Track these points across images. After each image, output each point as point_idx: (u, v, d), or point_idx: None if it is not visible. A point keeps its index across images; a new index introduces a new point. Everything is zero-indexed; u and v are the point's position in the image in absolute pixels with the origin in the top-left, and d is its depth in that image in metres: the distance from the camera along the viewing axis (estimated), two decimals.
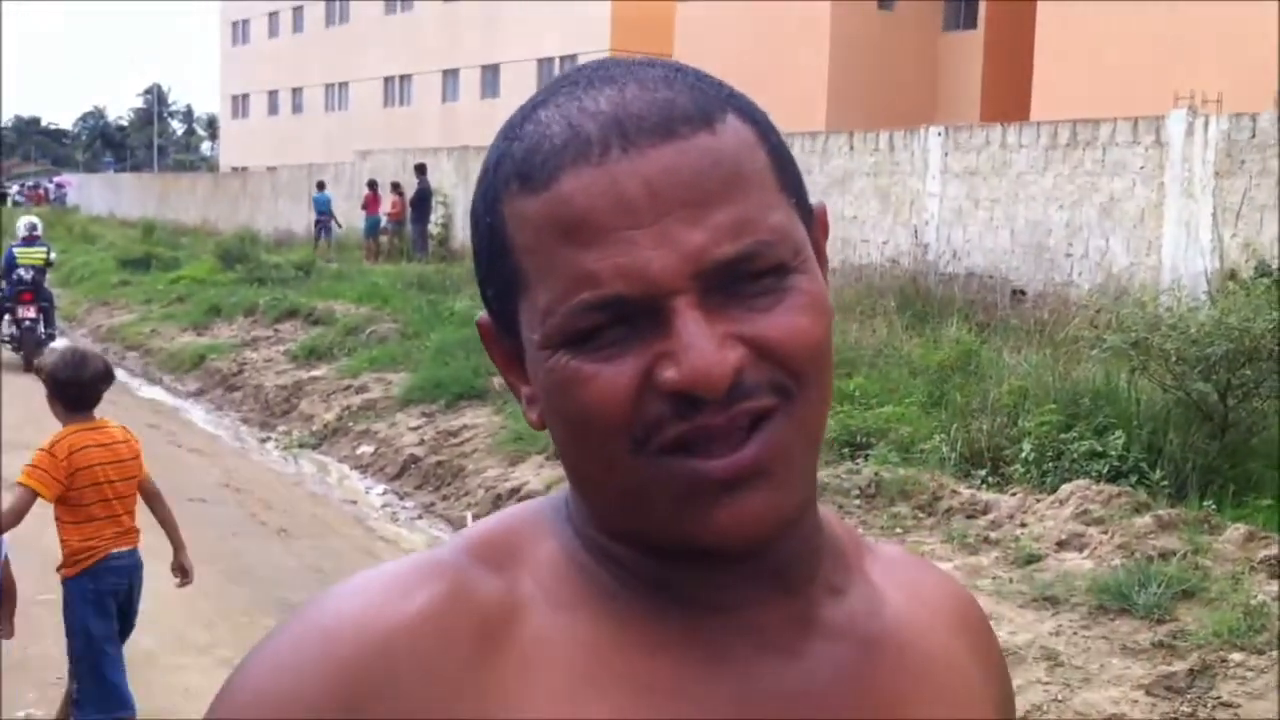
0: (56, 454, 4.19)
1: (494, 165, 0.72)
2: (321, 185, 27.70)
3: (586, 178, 0.66)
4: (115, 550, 4.30)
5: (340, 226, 26.27)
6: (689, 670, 0.71)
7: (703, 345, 0.65)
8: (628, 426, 0.67)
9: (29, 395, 12.41)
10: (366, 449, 10.08)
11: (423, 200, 22.68)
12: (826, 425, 0.72)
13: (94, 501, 4.25)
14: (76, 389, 4.27)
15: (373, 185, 24.41)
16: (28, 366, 13.98)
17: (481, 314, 0.77)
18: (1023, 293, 13.05)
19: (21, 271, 14.06)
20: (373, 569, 0.75)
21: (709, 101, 0.69)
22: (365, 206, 24.29)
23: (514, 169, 0.70)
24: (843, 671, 0.75)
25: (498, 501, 8.10)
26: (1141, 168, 12.05)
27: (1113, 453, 6.92)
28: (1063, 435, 7.18)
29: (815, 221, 0.75)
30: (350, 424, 10.70)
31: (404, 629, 0.69)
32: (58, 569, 4.35)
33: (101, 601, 4.30)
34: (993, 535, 6.49)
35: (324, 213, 26.44)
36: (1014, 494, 6.94)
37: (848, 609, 0.78)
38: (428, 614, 0.69)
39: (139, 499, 4.46)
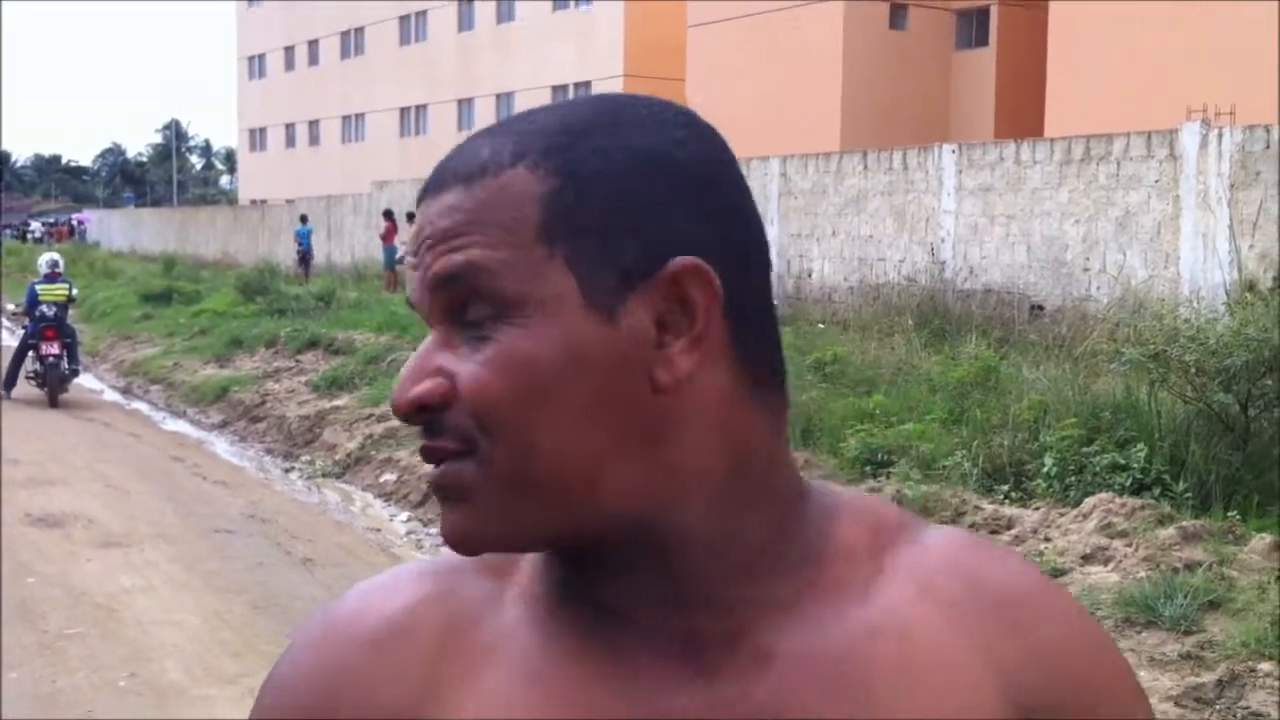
0: None
1: None
2: (304, 218, 28.20)
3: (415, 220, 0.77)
4: None
5: (313, 256, 27.12)
6: (601, 679, 0.74)
7: (405, 371, 0.72)
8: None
9: (54, 431, 12.54)
10: (389, 477, 10.12)
11: None
12: (555, 473, 0.70)
13: None
14: None
15: (389, 215, 24.56)
16: (53, 403, 14.09)
17: None
18: (1041, 308, 13.04)
19: (44, 308, 14.15)
20: (395, 567, 0.83)
21: (500, 156, 0.72)
22: (383, 237, 24.46)
23: None
24: (758, 692, 0.73)
25: None
26: (1156, 181, 12.04)
27: (1135, 465, 6.90)
28: (1084, 449, 7.16)
29: (667, 279, 0.70)
30: (373, 452, 10.74)
31: (379, 627, 0.77)
32: None
33: None
34: (1017, 550, 6.47)
35: (305, 245, 26.94)
36: (1037, 508, 6.93)
37: (788, 628, 0.74)
38: (401, 613, 0.78)
39: None
